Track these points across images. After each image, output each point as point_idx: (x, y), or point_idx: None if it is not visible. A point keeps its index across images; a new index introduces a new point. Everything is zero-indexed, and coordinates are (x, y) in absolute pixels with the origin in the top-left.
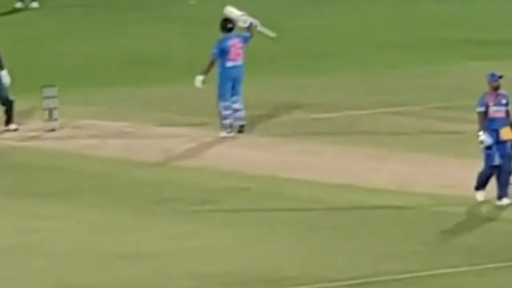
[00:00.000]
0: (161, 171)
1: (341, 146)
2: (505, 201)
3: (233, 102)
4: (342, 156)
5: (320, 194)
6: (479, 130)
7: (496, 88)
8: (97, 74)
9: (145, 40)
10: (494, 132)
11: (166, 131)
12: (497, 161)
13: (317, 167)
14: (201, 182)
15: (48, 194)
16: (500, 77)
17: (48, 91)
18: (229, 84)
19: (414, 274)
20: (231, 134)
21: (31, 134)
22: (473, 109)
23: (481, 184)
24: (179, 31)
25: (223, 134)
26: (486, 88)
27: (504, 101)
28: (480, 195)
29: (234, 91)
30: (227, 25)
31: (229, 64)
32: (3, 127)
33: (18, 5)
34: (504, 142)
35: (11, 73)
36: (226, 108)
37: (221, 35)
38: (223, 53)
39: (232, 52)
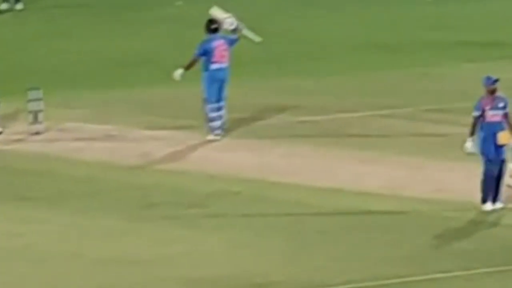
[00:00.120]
0: (148, 175)
1: (330, 149)
2: (497, 205)
3: (218, 109)
4: (331, 160)
5: (308, 198)
6: (468, 135)
7: (492, 92)
8: (83, 76)
9: (131, 41)
10: (492, 136)
11: (153, 134)
12: (496, 171)
13: (306, 171)
14: (188, 186)
15: (33, 198)
16: (496, 80)
17: (33, 94)
18: (214, 87)
19: (404, 279)
20: (219, 137)
21: (16, 137)
22: (464, 111)
23: (488, 195)
24: (165, 32)
25: (211, 137)
26: (478, 90)
27: (501, 105)
28: (488, 206)
29: (219, 94)
30: (211, 25)
31: (214, 66)
32: None
33: (3, 6)
34: (501, 146)
35: None
36: (213, 110)
37: (206, 36)
38: (206, 54)
39: (217, 54)
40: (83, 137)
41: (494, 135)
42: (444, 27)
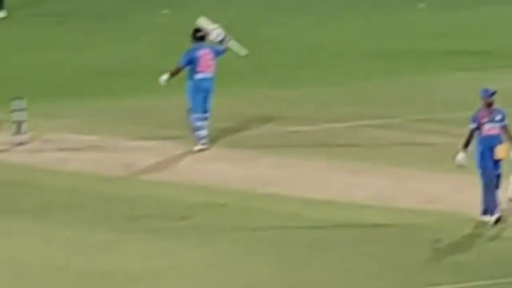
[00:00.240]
0: (133, 186)
1: (319, 160)
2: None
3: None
4: (320, 170)
5: (296, 210)
6: (461, 147)
7: (489, 104)
8: (67, 85)
9: (117, 50)
10: (490, 150)
11: (138, 144)
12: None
13: (294, 182)
14: (174, 198)
15: (17, 210)
16: (494, 93)
17: (16, 104)
18: (199, 96)
19: None
20: (206, 146)
21: None
22: (455, 121)
23: (490, 206)
24: (151, 41)
25: (198, 147)
26: (469, 99)
27: (498, 117)
28: (494, 218)
29: (204, 106)
30: (197, 34)
31: (199, 75)
32: None
33: None
34: (499, 160)
35: None
36: (199, 119)
37: (192, 45)
38: (192, 63)
39: (202, 63)
40: (68, 148)
41: (491, 149)
42: (435, 35)
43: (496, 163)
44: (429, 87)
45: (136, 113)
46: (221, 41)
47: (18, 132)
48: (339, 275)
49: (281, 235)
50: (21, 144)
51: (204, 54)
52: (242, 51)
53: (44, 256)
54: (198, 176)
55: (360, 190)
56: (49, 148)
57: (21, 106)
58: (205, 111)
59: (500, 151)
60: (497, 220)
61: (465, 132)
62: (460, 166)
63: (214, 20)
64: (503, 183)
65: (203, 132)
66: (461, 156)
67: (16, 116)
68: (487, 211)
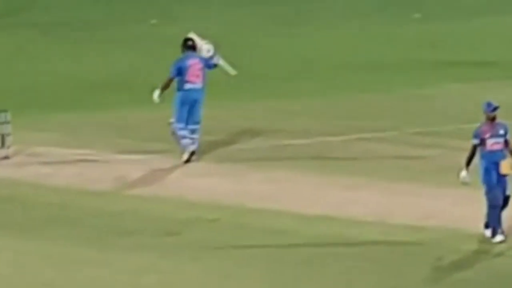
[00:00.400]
0: (120, 201)
1: (313, 175)
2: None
3: (192, 132)
4: (313, 185)
5: (290, 226)
6: (464, 164)
7: (492, 119)
8: (52, 98)
9: (104, 61)
10: (494, 165)
11: (126, 158)
12: (501, 200)
13: (286, 197)
14: (163, 213)
15: (1, 225)
16: (497, 107)
17: (0, 117)
18: (185, 108)
19: None
20: (194, 157)
21: None
22: (453, 134)
23: (497, 226)
24: (139, 52)
25: (185, 156)
26: (467, 111)
27: (501, 132)
28: (499, 238)
29: (192, 117)
30: (187, 42)
31: (187, 86)
32: None
33: None
34: (504, 175)
35: None
36: (181, 128)
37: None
38: (180, 72)
39: (190, 73)
40: (54, 162)
41: (496, 164)
42: (431, 45)
43: (504, 182)
44: (425, 99)
45: (123, 126)
46: (212, 57)
47: (2, 145)
48: None
49: (274, 252)
50: (5, 158)
51: (193, 63)
52: (232, 71)
53: (30, 272)
54: (187, 190)
55: (355, 206)
56: (35, 162)
57: (5, 119)
58: (195, 123)
59: (505, 166)
60: (500, 242)
61: (463, 144)
62: (464, 184)
63: (203, 34)
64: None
65: (188, 141)
66: (464, 173)
67: (0, 129)
68: (495, 232)
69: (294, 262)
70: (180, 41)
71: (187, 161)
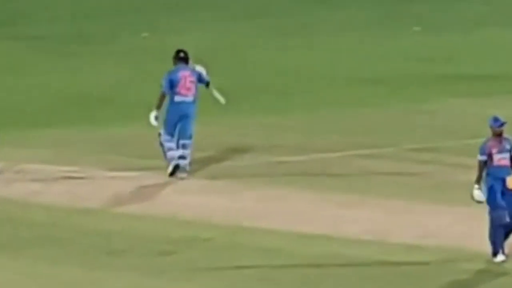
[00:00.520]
0: (110, 219)
1: (308, 192)
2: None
3: (184, 147)
4: (309, 203)
5: (285, 245)
6: (475, 182)
7: (499, 134)
8: (41, 113)
9: (94, 75)
10: (500, 180)
11: (116, 175)
12: (507, 219)
13: (282, 215)
14: (155, 232)
15: None
16: (504, 123)
17: None
18: (174, 120)
19: None
20: (183, 175)
21: None
22: (452, 150)
23: (498, 246)
24: (130, 66)
25: (169, 169)
26: (468, 127)
27: (508, 147)
28: (499, 258)
29: (184, 132)
30: (179, 54)
31: (177, 98)
32: None
33: None
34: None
35: None
36: (168, 140)
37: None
38: (172, 85)
39: (181, 85)
40: (42, 179)
41: (502, 181)
42: (430, 59)
43: (510, 195)
44: (425, 114)
45: (114, 142)
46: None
47: None
48: None
49: (268, 272)
50: None
51: (185, 75)
52: (222, 100)
53: None
54: (180, 208)
55: (352, 224)
56: (22, 179)
57: None
58: (186, 138)
59: (511, 182)
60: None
61: (463, 161)
62: (479, 202)
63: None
64: None
65: (174, 153)
66: (477, 192)
67: None
68: (496, 252)
69: (289, 283)
70: (172, 53)
71: (172, 174)
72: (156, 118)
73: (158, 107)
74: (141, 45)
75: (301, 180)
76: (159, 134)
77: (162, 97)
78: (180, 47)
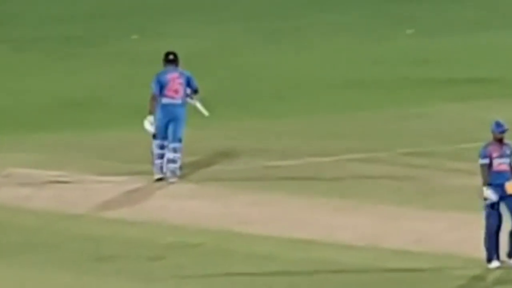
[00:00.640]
0: (100, 224)
1: (301, 197)
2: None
3: (173, 151)
4: (302, 208)
5: (277, 251)
6: (483, 185)
7: (500, 140)
8: (30, 117)
9: (84, 79)
10: (498, 187)
11: (105, 180)
12: (497, 221)
13: (274, 221)
14: (144, 237)
15: None
16: (506, 130)
17: None
18: (163, 123)
19: None
20: (162, 175)
21: None
22: (447, 155)
23: (493, 253)
24: (120, 68)
25: (156, 176)
26: (463, 131)
27: (508, 152)
28: (494, 264)
29: (173, 135)
30: (168, 56)
31: (164, 100)
32: None
33: None
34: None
35: None
36: (158, 146)
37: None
38: (160, 86)
39: (170, 87)
40: (32, 184)
41: (501, 186)
42: (424, 62)
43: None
44: (419, 118)
45: (103, 147)
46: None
47: None
48: None
49: (260, 278)
50: None
51: (173, 77)
52: (206, 112)
53: None
54: (169, 214)
55: (345, 230)
56: (12, 184)
57: None
58: (176, 141)
59: (510, 187)
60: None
61: (458, 165)
62: (491, 201)
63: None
64: None
65: (161, 161)
66: (490, 192)
67: None
68: (491, 259)
69: None
70: (162, 56)
71: (159, 179)
72: (152, 123)
73: (151, 112)
74: (131, 48)
75: (294, 184)
76: (154, 136)
77: (153, 100)
78: (170, 50)
